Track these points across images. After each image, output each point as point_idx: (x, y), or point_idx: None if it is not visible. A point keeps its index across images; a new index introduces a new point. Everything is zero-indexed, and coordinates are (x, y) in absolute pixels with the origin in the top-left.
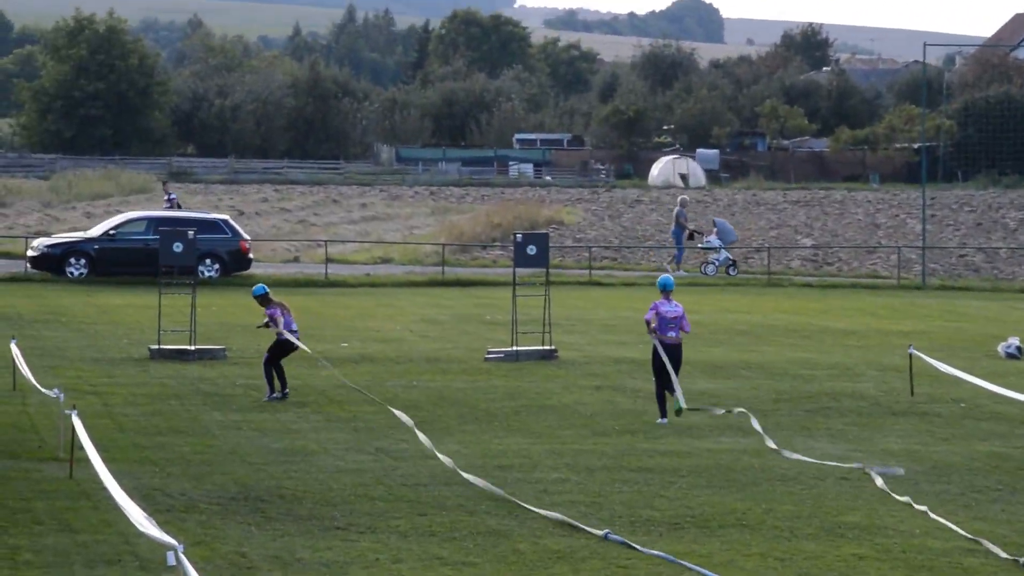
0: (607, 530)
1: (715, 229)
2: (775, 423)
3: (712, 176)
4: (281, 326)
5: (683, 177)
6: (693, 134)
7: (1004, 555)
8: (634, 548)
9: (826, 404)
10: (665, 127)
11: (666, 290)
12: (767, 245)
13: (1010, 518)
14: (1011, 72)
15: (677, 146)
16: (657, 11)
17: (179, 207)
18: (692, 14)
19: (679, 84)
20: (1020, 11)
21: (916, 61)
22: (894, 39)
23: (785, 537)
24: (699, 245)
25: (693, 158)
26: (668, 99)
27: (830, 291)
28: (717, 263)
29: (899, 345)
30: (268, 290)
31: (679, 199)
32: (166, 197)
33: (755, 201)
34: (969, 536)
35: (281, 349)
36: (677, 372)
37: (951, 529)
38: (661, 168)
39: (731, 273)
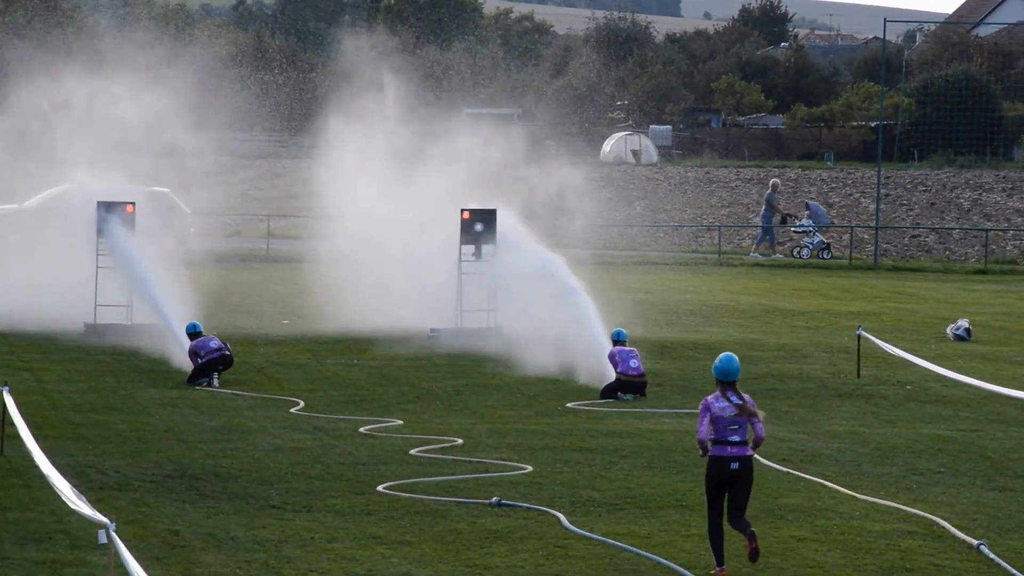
0: (496, 497)
1: (808, 212)
2: None
3: (665, 153)
4: (200, 357)
5: (635, 154)
6: (646, 110)
7: (959, 535)
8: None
9: (772, 386)
10: (618, 103)
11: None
12: (719, 224)
13: (951, 500)
14: (972, 50)
15: (630, 122)
16: None
17: None
18: None
19: (633, 58)
20: None
21: (876, 38)
22: (854, 15)
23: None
24: (792, 228)
25: (646, 134)
26: (622, 74)
27: (781, 271)
28: (811, 246)
29: (848, 326)
30: (200, 327)
31: (771, 183)
32: None
33: (708, 179)
34: (920, 515)
35: (203, 370)
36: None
37: (890, 511)
38: (613, 144)
39: (824, 257)
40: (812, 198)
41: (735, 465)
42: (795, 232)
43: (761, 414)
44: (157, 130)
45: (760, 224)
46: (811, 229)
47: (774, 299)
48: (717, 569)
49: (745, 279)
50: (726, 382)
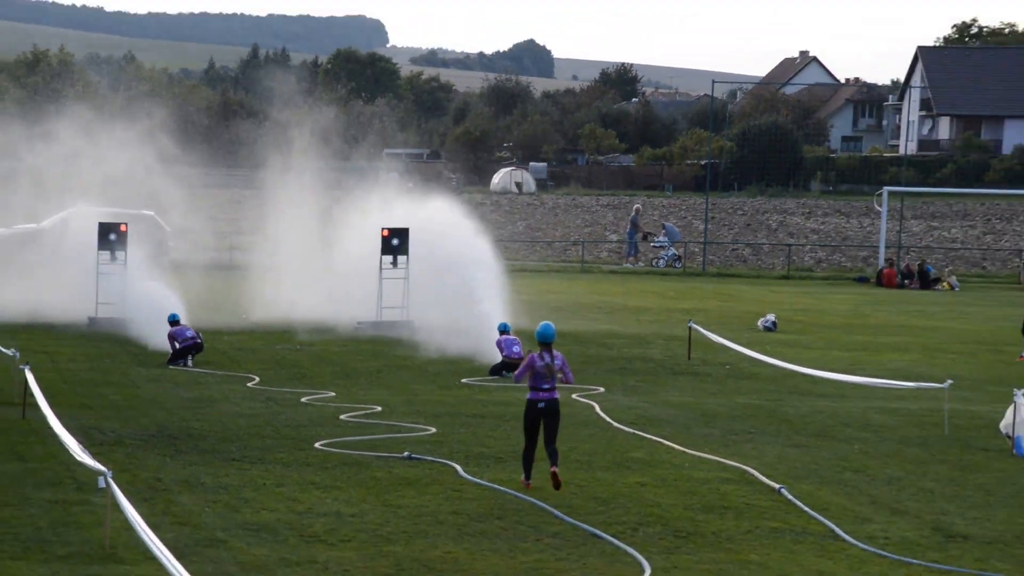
0: (407, 452)
1: (664, 231)
2: (583, 380)
3: (541, 184)
4: (177, 343)
5: (518, 185)
6: (527, 150)
7: (766, 481)
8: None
9: (623, 365)
10: (505, 144)
11: (546, 341)
12: (582, 240)
13: (759, 454)
14: (780, 105)
15: (514, 160)
16: (501, 51)
17: None
18: (529, 54)
19: (517, 110)
20: (788, 56)
21: (706, 95)
22: (689, 76)
23: (584, 468)
24: (652, 244)
25: (526, 169)
26: (508, 122)
27: (630, 277)
28: (666, 258)
29: (681, 320)
30: (178, 317)
31: (635, 207)
32: None
33: (574, 205)
34: (735, 465)
35: (180, 354)
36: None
37: (712, 463)
38: (500, 177)
39: (676, 266)
40: (656, 221)
41: (542, 405)
42: (653, 246)
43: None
44: (145, 166)
45: (627, 240)
46: (666, 244)
47: (625, 299)
48: (525, 482)
49: (603, 283)
50: (544, 343)
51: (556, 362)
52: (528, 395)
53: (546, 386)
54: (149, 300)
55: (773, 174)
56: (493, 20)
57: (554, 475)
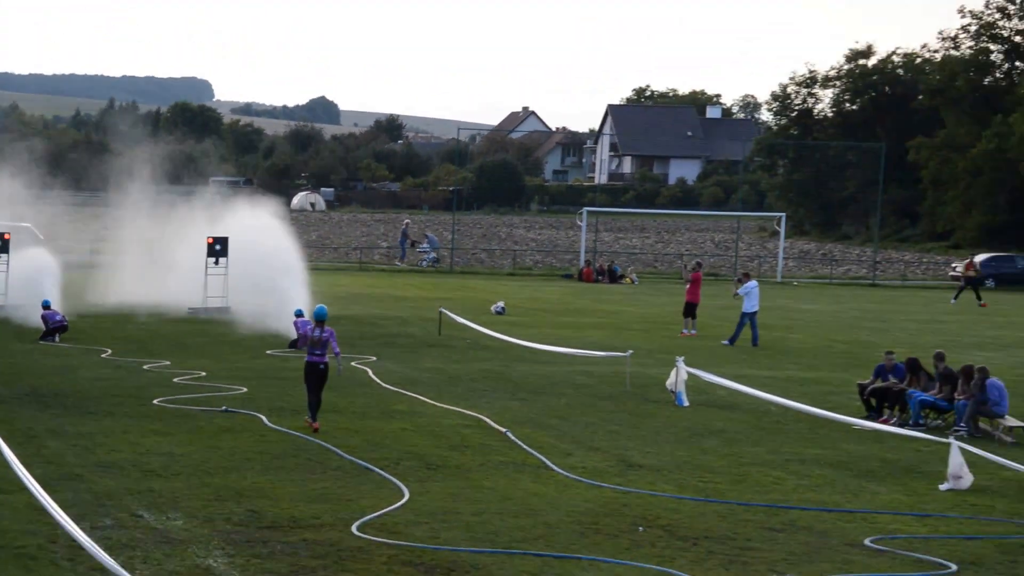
0: (225, 406)
1: (427, 240)
2: (360, 351)
3: (330, 204)
4: (48, 324)
5: (312, 204)
6: (319, 179)
7: (495, 426)
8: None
9: (390, 341)
10: (302, 174)
11: (320, 320)
12: (360, 247)
13: (491, 406)
14: (507, 146)
15: (309, 185)
16: (300, 104)
17: None
18: (321, 107)
19: (312, 149)
20: (514, 110)
21: (453, 138)
22: (441, 125)
23: (359, 418)
24: (417, 250)
25: (319, 193)
26: (304, 158)
27: (397, 274)
28: (428, 260)
29: (434, 306)
30: (50, 303)
31: (405, 222)
32: None
33: (355, 220)
34: (473, 414)
35: (50, 332)
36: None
37: (457, 413)
38: (298, 199)
39: (434, 266)
40: (420, 232)
41: (322, 367)
42: (418, 252)
43: (335, 348)
44: (24, 189)
45: (399, 246)
46: (428, 250)
47: (392, 290)
48: (312, 423)
49: (375, 279)
50: (318, 320)
51: (325, 335)
52: (306, 358)
53: (318, 352)
54: (30, 283)
55: (503, 198)
56: (294, 80)
57: (315, 430)
